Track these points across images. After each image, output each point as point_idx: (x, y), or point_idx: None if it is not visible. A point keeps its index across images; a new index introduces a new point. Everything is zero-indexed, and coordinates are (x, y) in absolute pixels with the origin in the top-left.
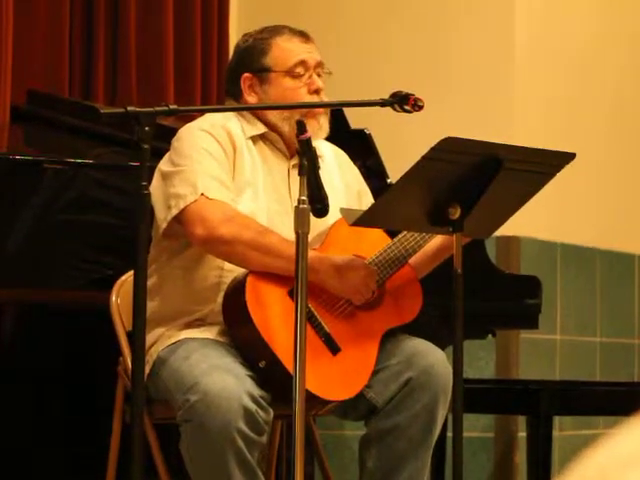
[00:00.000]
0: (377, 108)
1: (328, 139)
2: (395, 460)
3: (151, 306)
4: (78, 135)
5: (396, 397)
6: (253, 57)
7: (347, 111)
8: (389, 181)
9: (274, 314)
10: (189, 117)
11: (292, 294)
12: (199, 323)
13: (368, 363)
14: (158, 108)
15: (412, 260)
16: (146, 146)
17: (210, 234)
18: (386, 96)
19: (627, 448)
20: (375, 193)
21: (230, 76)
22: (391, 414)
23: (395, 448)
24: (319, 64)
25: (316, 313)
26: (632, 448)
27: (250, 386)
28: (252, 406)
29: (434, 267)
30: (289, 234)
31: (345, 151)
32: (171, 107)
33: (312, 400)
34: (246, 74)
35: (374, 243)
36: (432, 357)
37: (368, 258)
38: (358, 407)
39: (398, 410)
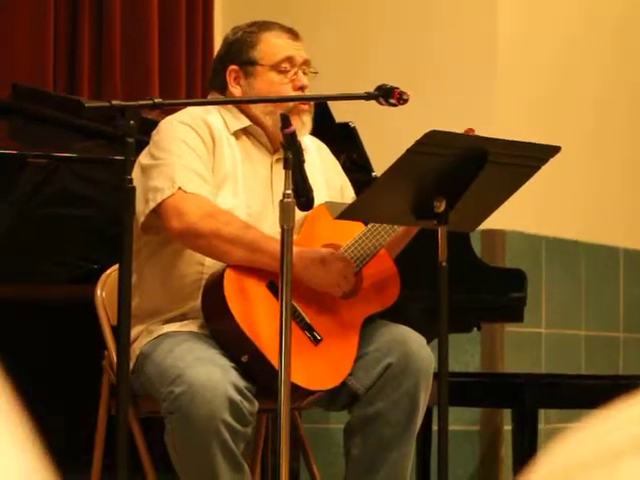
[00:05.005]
0: (362, 102)
1: (312, 132)
2: (380, 447)
3: (132, 303)
4: (63, 129)
5: (377, 383)
6: (241, 49)
7: (332, 105)
8: (374, 174)
9: (253, 307)
10: (173, 110)
11: (270, 286)
12: (181, 318)
13: (350, 351)
14: (142, 102)
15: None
16: (131, 140)
17: (186, 227)
18: (371, 90)
19: (593, 447)
20: (360, 186)
21: (216, 67)
22: (373, 401)
23: (379, 435)
24: (306, 62)
25: (296, 304)
26: (597, 448)
27: (235, 377)
28: (237, 397)
29: (405, 245)
30: (270, 229)
31: (330, 145)
32: (155, 101)
33: (296, 391)
34: (232, 66)
35: (349, 231)
36: (411, 341)
37: (343, 246)
38: (340, 396)
39: (380, 396)
